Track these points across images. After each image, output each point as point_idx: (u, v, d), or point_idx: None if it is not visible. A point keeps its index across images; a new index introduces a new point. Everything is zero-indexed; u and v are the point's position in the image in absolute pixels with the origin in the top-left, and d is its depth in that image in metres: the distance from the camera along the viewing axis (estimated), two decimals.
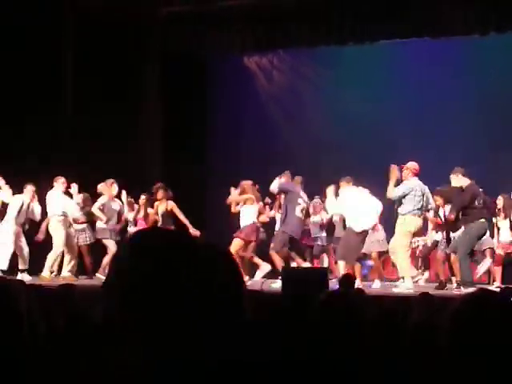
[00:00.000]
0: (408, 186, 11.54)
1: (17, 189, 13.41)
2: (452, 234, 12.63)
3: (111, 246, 13.48)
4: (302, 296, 4.95)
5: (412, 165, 11.71)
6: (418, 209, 11.51)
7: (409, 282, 11.51)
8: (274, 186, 13.01)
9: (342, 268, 12.30)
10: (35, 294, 5.83)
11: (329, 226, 14.15)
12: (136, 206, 14.53)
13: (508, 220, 12.94)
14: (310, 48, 16.28)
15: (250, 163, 15.61)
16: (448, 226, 12.53)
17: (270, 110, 17.73)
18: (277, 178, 13.02)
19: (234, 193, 13.61)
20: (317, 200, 14.17)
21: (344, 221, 14.07)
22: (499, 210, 12.80)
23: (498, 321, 2.01)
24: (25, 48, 14.59)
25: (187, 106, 16.89)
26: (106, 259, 13.40)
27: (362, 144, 16.02)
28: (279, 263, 12.54)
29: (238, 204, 13.50)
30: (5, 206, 13.25)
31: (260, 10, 15.12)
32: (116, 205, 13.83)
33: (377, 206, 12.65)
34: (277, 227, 13.94)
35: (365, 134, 16.16)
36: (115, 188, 13.67)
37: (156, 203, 13.89)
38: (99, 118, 15.34)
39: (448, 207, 12.46)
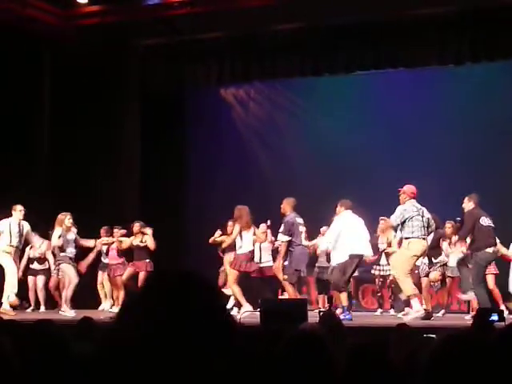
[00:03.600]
0: (403, 209, 11.42)
1: None
2: (435, 260, 12.64)
3: (72, 275, 13.31)
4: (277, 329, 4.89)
5: (408, 188, 11.58)
6: (418, 231, 11.36)
7: (415, 303, 11.24)
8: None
9: (344, 299, 11.96)
10: (7, 330, 5.74)
11: (310, 257, 14.07)
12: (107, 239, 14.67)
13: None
14: (285, 79, 16.35)
15: (228, 193, 15.57)
16: (430, 251, 12.48)
17: (248, 140, 17.73)
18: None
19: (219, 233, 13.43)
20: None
21: (328, 253, 14.01)
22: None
23: (473, 363, 2.00)
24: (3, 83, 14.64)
25: (166, 137, 16.88)
26: (69, 291, 13.24)
27: (339, 171, 16.05)
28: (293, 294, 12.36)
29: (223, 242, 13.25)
30: None
31: (236, 43, 15.18)
32: (71, 235, 13.65)
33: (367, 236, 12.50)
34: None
35: (341, 161, 16.19)
36: (70, 220, 13.49)
37: (131, 237, 14.09)
38: (77, 155, 15.46)
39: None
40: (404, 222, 11.41)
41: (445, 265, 13.06)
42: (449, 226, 13.06)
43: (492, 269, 12.94)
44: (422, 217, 11.45)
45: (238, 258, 12.50)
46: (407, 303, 12.08)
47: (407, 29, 14.12)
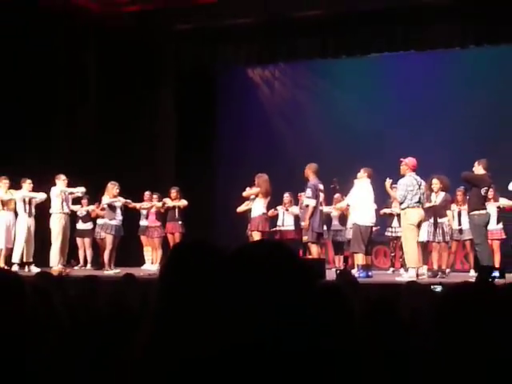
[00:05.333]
0: (406, 185, 11.30)
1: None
2: (440, 220, 12.49)
3: (107, 243, 13.47)
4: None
5: (410, 161, 11.47)
6: (415, 202, 11.25)
7: (412, 272, 11.20)
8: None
9: (360, 259, 12.05)
10: (57, 285, 5.78)
11: (326, 220, 14.07)
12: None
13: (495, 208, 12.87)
14: (307, 60, 16.27)
15: (254, 166, 15.51)
16: (436, 211, 12.38)
17: (272, 117, 17.72)
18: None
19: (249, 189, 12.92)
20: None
21: (341, 215, 14.01)
22: (489, 199, 12.32)
23: (477, 311, 1.98)
24: (54, 66, 14.69)
25: (198, 114, 16.88)
26: (106, 255, 13.42)
27: (357, 147, 15.97)
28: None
29: (248, 199, 13.05)
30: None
31: (262, 27, 15.10)
32: (118, 203, 13.73)
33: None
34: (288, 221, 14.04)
35: (359, 136, 16.13)
36: (117, 190, 13.57)
37: (167, 200, 14.39)
38: (120, 127, 15.54)
39: (442, 194, 12.38)
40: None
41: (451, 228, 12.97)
42: (459, 194, 12.95)
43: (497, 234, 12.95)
44: (419, 189, 11.40)
45: (254, 220, 12.45)
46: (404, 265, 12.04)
47: (417, 15, 13.97)
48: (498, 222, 12.98)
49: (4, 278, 2.78)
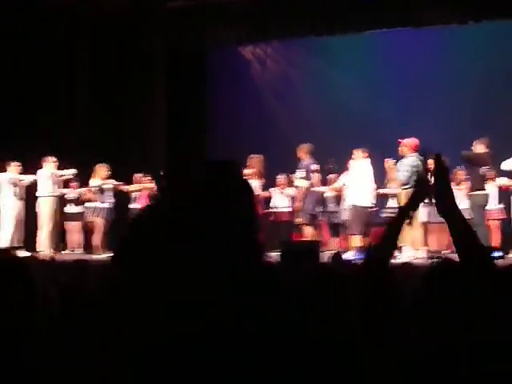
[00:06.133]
0: (411, 165, 11.23)
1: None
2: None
3: (97, 227, 13.47)
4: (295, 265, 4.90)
5: (411, 141, 11.43)
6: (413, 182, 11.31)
7: (408, 250, 11.21)
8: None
9: (357, 241, 12.06)
10: (49, 269, 5.81)
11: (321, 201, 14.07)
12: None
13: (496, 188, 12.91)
14: (300, 38, 16.19)
15: (247, 145, 15.53)
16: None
17: (265, 95, 17.68)
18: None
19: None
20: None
21: (337, 196, 14.02)
22: (489, 178, 12.32)
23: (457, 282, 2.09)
24: (42, 50, 14.65)
25: (189, 93, 16.80)
26: (96, 239, 13.43)
27: (350, 125, 15.98)
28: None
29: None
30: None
31: (254, 3, 15.03)
32: (108, 185, 13.71)
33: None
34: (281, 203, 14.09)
35: (352, 115, 16.11)
36: (106, 172, 13.56)
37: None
38: (111, 109, 15.58)
39: None
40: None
41: None
42: (461, 173, 12.94)
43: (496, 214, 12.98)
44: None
45: None
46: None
47: None
48: (499, 202, 12.99)
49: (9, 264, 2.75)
